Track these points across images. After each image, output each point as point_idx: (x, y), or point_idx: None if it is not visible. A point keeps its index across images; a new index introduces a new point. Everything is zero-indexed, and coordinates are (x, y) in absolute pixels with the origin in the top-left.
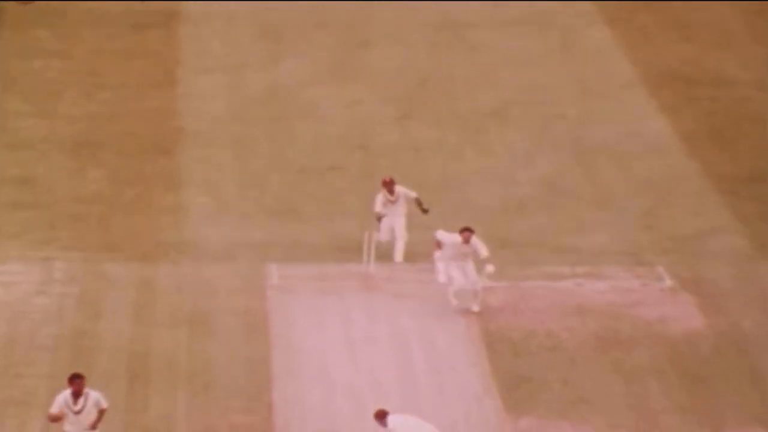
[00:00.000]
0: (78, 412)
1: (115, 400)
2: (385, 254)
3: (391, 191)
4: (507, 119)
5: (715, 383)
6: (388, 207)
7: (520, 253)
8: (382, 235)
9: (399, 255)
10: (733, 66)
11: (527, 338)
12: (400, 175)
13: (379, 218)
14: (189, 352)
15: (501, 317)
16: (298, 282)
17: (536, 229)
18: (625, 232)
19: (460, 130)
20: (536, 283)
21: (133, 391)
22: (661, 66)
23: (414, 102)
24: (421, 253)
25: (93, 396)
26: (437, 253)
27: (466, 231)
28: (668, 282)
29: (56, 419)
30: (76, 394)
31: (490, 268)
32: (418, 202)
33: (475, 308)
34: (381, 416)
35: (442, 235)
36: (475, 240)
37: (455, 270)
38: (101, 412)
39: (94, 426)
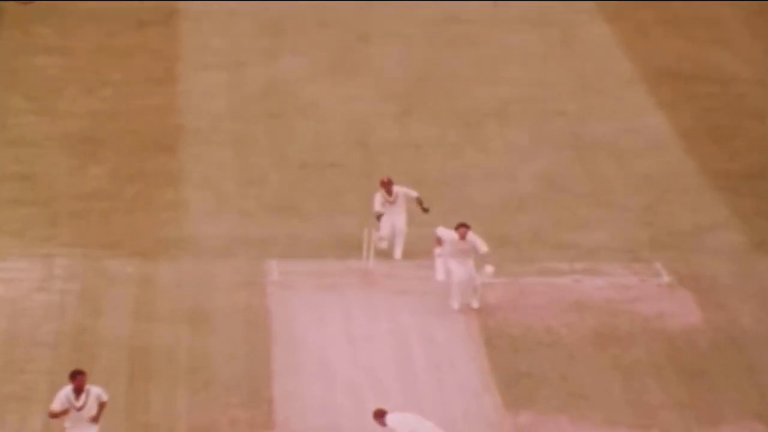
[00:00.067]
0: (80, 408)
1: (116, 396)
2: (384, 251)
3: (389, 191)
4: (506, 116)
5: (713, 378)
6: (387, 207)
7: (519, 250)
8: (383, 231)
9: (398, 252)
10: (731, 63)
11: (526, 334)
12: (399, 172)
13: (378, 217)
14: (189, 348)
15: (500, 313)
16: (299, 278)
17: (535, 226)
18: (623, 229)
19: (459, 127)
20: (535, 280)
21: (133, 386)
22: (660, 63)
23: (414, 99)
24: (420, 250)
25: (94, 391)
26: (437, 250)
27: (462, 227)
28: (666, 278)
29: (58, 416)
30: (78, 390)
31: (489, 269)
32: (419, 202)
33: (475, 305)
34: (380, 416)
35: (441, 231)
36: (471, 236)
37: (455, 264)
38: (102, 405)
39: (95, 419)
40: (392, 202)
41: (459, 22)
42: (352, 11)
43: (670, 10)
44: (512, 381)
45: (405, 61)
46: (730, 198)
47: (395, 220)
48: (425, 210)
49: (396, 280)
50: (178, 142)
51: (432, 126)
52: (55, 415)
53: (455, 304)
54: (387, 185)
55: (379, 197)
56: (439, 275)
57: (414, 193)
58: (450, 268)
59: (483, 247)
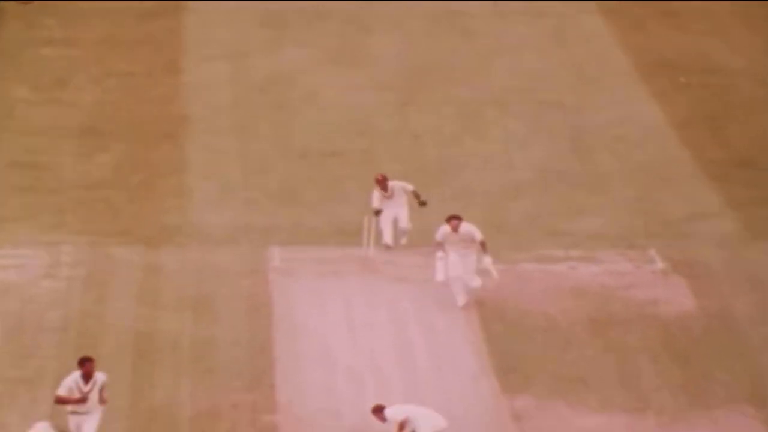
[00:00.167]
0: (86, 394)
1: (121, 381)
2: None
3: (384, 188)
4: (504, 106)
5: (705, 363)
6: (385, 202)
7: (516, 237)
8: (383, 224)
9: (403, 239)
10: (724, 54)
11: (523, 320)
12: (399, 161)
13: (378, 213)
14: (193, 334)
15: (498, 300)
16: (300, 265)
17: (532, 214)
18: (618, 216)
19: (458, 117)
20: (532, 266)
21: (138, 371)
22: (655, 54)
23: (413, 89)
24: (419, 238)
25: (100, 378)
26: (440, 253)
27: (453, 219)
28: (660, 265)
29: (65, 401)
30: (87, 377)
31: (487, 260)
32: (416, 195)
33: (460, 303)
34: (378, 411)
35: (438, 235)
36: (466, 226)
37: (454, 258)
38: (102, 387)
39: (102, 401)
40: (389, 197)
41: (458, 14)
42: (353, 3)
43: (664, 2)
44: (509, 366)
45: (404, 53)
46: (724, 186)
47: (397, 215)
48: (422, 203)
49: (396, 268)
50: (182, 132)
51: (431, 115)
52: (61, 401)
53: (459, 301)
54: (381, 182)
55: (376, 194)
56: (439, 275)
57: (410, 187)
58: (449, 265)
59: (478, 235)
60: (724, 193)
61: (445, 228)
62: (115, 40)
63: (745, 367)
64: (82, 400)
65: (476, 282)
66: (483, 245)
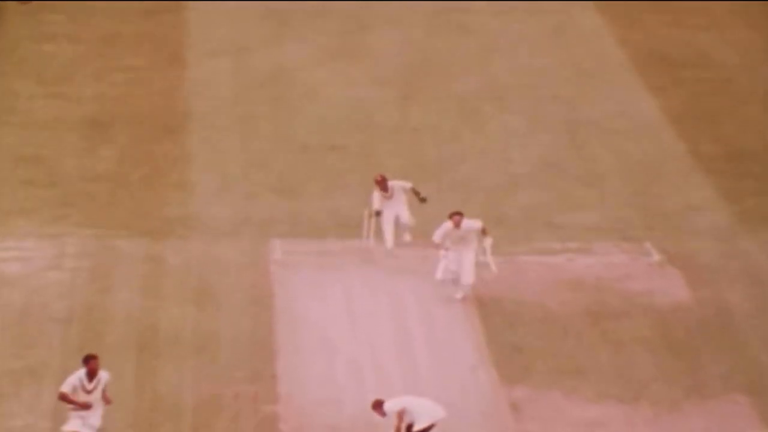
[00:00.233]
0: (90, 392)
1: (125, 371)
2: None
3: (384, 188)
4: (502, 101)
5: (700, 353)
6: (385, 202)
7: (514, 230)
8: (384, 225)
9: (407, 235)
10: (719, 48)
11: (521, 311)
12: (398, 155)
13: (378, 214)
14: (195, 325)
15: (496, 291)
16: (301, 257)
17: (529, 207)
18: (614, 209)
19: (457, 111)
20: (529, 258)
21: (142, 362)
22: (651, 49)
23: (412, 84)
24: (419, 232)
25: (104, 377)
26: (443, 252)
27: (456, 215)
28: (656, 257)
29: (68, 399)
30: (92, 374)
31: (488, 241)
32: (415, 192)
33: (458, 295)
34: (378, 406)
35: (437, 234)
36: (466, 222)
37: (453, 255)
38: (105, 389)
39: (107, 401)
40: (389, 197)
41: (456, 11)
42: (353, 1)
43: None
44: (507, 356)
45: (404, 48)
46: (718, 179)
47: (398, 214)
48: (423, 200)
49: (396, 260)
50: (185, 126)
51: (430, 110)
52: (65, 398)
53: (458, 293)
54: (381, 183)
55: (376, 195)
56: (439, 275)
57: (408, 185)
58: (448, 258)
59: (478, 224)
60: (719, 186)
61: (448, 224)
62: (119, 36)
63: (739, 358)
64: (86, 406)
65: (468, 279)
66: (484, 230)
